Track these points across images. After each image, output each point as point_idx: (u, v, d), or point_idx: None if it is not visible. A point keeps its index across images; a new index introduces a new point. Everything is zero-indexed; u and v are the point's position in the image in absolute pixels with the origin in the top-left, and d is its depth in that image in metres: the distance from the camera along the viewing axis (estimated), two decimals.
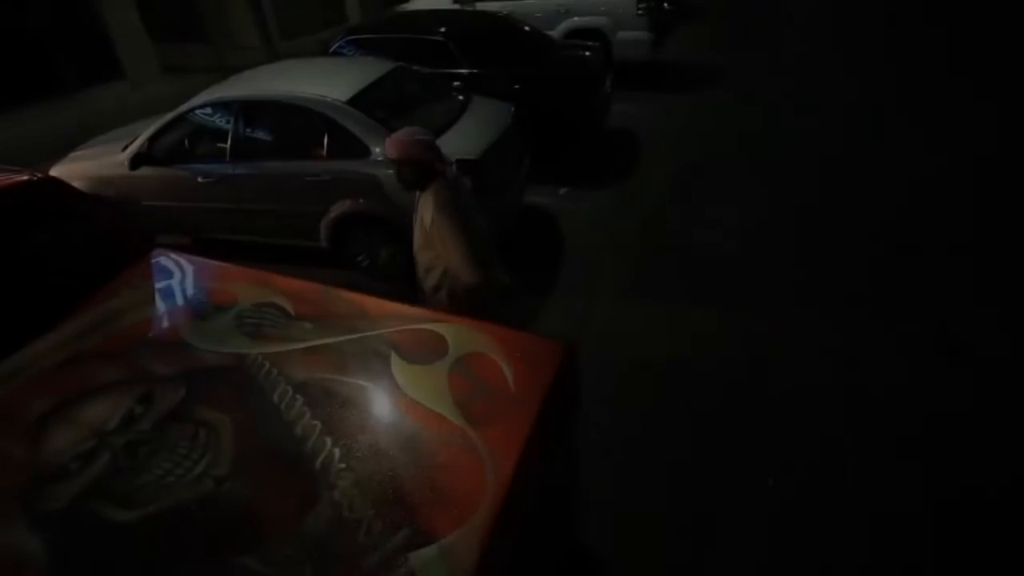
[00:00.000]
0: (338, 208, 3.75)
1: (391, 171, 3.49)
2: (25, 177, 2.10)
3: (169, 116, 4.06)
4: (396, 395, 1.62)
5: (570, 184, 5.33)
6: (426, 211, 2.28)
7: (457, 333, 1.82)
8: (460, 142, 3.72)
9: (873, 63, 8.18)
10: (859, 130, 6.07)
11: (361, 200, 3.70)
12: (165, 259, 2.33)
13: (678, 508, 2.49)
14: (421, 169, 2.28)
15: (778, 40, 10.09)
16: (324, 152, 3.71)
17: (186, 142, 4.13)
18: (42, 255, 2.11)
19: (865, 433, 2.76)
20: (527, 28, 6.30)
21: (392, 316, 1.92)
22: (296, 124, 3.84)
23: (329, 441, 1.49)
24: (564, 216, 4.89)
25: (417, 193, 2.37)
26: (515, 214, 4.28)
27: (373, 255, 3.96)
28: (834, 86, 7.42)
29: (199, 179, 3.98)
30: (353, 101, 3.69)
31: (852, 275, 3.86)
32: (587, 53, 6.07)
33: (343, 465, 1.43)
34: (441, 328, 1.84)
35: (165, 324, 2.01)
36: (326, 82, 3.87)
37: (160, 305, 2.10)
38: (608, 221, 4.77)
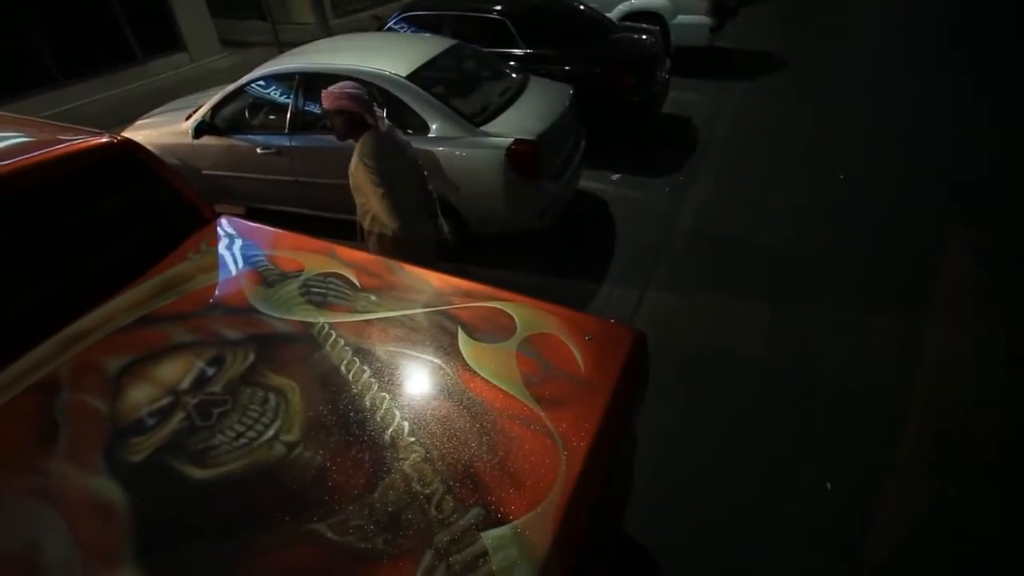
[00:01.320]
0: None
1: (448, 149, 3.51)
2: (105, 139, 2.14)
3: (232, 87, 4.12)
4: (464, 372, 1.59)
5: (623, 170, 5.21)
6: (353, 158, 2.53)
7: (525, 312, 1.78)
8: (518, 122, 3.66)
9: (942, 54, 7.71)
10: (922, 125, 5.73)
11: None
12: (232, 225, 2.36)
13: (729, 505, 2.42)
14: (350, 120, 2.51)
15: (846, 25, 9.61)
16: None
17: (247, 113, 4.18)
18: (119, 214, 2.16)
19: (925, 443, 2.63)
20: (584, 8, 6.15)
21: (458, 292, 1.90)
22: None
23: (398, 414, 1.48)
24: (616, 202, 4.78)
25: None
26: (569, 198, 4.20)
27: None
28: (900, 78, 7.03)
29: (258, 150, 4.03)
30: (412, 76, 3.67)
31: (915, 276, 3.66)
32: (644, 36, 5.88)
33: (412, 439, 1.42)
34: (508, 307, 1.81)
35: (232, 289, 2.03)
36: (385, 57, 3.84)
37: (227, 270, 2.12)
38: (660, 210, 4.65)
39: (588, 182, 4.88)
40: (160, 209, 2.26)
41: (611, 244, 4.24)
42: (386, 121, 2.63)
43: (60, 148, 2.01)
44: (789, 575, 2.20)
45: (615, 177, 5.13)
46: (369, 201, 2.57)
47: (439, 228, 2.86)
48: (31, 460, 1.39)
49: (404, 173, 2.65)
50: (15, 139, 2.10)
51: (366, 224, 2.71)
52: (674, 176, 5.13)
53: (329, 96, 2.48)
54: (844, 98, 6.64)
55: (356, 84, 2.56)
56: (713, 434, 2.74)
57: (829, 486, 2.49)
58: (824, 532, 2.31)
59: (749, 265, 3.90)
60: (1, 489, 1.34)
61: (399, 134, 2.75)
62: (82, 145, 2.06)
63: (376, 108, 2.56)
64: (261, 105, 4.18)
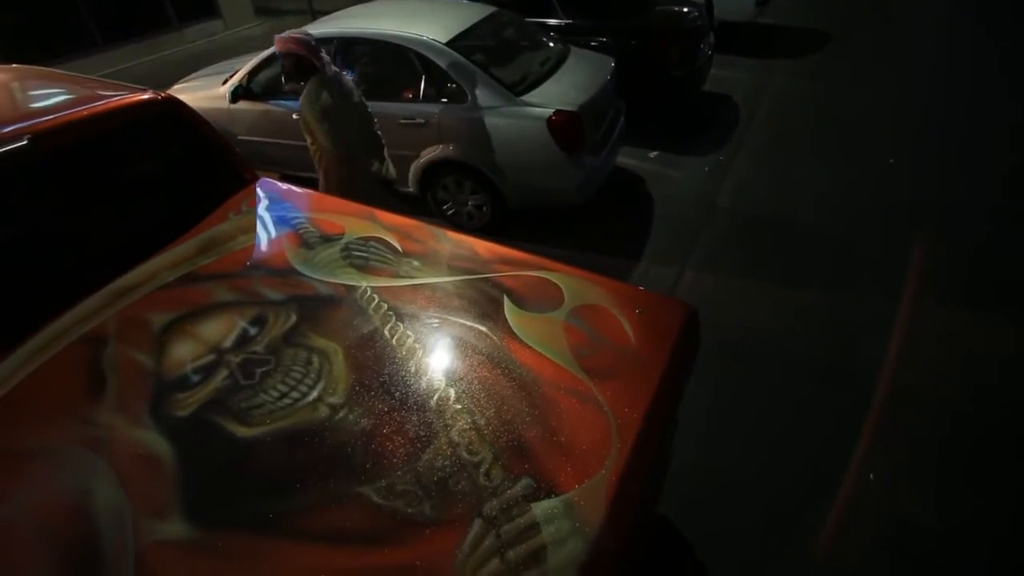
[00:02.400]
0: (429, 153, 3.69)
1: (487, 118, 3.44)
2: (149, 95, 2.12)
3: (268, 51, 4.07)
4: (511, 340, 1.55)
5: (662, 147, 5.07)
6: (301, 98, 2.73)
7: (572, 283, 1.73)
8: (559, 93, 3.56)
9: (1000, 32, 7.28)
10: (977, 111, 5.43)
11: (452, 147, 3.62)
12: (272, 187, 2.33)
13: (766, 490, 2.36)
14: (298, 63, 2.75)
15: (895, 2, 9.15)
16: (420, 95, 3.63)
17: (283, 78, 4.14)
18: (162, 170, 2.15)
19: (967, 437, 2.51)
20: None
21: (502, 260, 1.84)
22: (393, 64, 3.77)
23: (444, 380, 1.45)
24: (653, 180, 4.66)
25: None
26: (607, 173, 4.09)
27: (460, 204, 3.90)
28: (953, 58, 6.67)
29: (293, 115, 3.98)
30: (452, 43, 3.58)
31: (961, 267, 3.48)
32: (687, 9, 5.67)
33: (459, 406, 1.38)
34: (555, 277, 1.75)
35: (274, 250, 2.01)
36: (425, 22, 3.76)
37: (268, 231, 2.10)
38: (699, 189, 4.51)
39: (625, 158, 4.76)
40: (202, 167, 2.25)
41: (648, 222, 4.13)
42: (333, 67, 2.87)
43: (105, 103, 1.99)
44: (825, 562, 2.14)
45: (653, 154, 4.99)
46: (316, 138, 2.77)
47: (385, 168, 3.06)
48: (81, 410, 1.39)
49: (347, 113, 2.84)
50: (62, 95, 2.10)
51: (315, 163, 2.90)
52: (714, 155, 4.97)
53: (280, 40, 2.76)
54: (891, 80, 6.33)
55: (305, 31, 2.84)
56: (749, 418, 2.66)
57: (872, 476, 2.41)
58: (863, 522, 2.23)
59: (788, 248, 3.77)
60: (55, 437, 1.35)
61: (346, 80, 2.95)
62: (126, 100, 2.04)
63: (323, 54, 2.79)
64: None
